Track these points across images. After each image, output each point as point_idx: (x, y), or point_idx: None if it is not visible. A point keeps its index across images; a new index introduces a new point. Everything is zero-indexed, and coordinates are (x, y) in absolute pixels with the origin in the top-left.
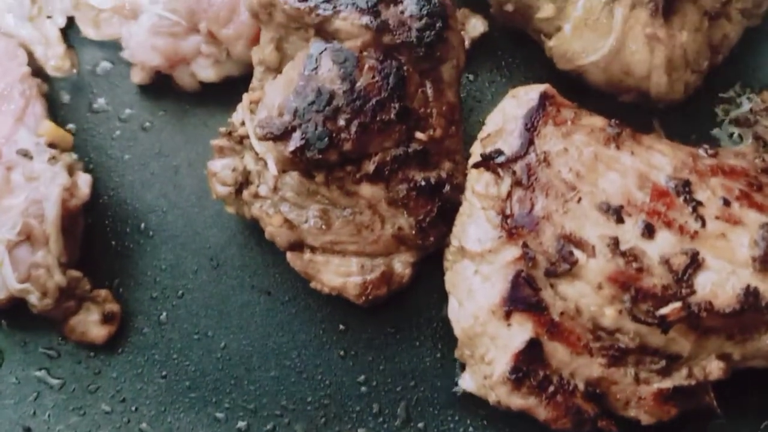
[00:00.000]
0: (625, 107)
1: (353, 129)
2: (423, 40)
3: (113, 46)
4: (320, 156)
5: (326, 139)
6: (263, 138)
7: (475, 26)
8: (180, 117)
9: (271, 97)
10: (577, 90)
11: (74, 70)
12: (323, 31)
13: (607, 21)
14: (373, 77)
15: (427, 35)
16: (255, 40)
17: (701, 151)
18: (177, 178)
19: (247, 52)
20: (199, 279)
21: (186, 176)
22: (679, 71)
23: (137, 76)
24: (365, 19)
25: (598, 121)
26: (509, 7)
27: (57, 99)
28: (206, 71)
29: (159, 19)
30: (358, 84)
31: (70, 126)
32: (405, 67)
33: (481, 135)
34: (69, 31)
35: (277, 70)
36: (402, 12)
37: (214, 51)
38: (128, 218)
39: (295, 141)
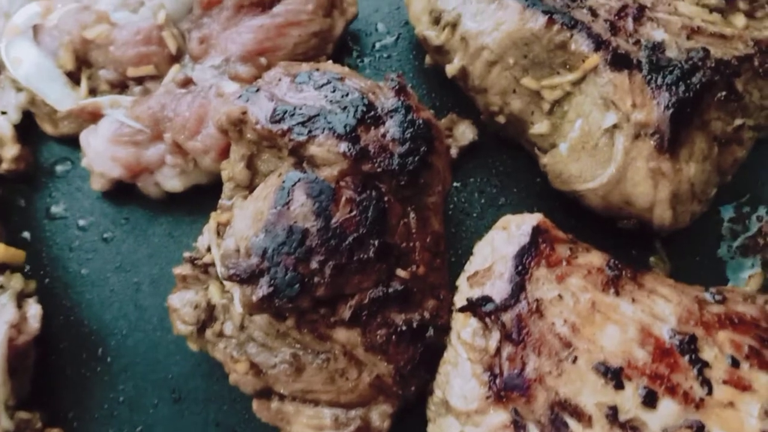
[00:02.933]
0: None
1: (327, 272)
2: (406, 167)
3: (73, 142)
4: (290, 304)
5: (297, 285)
6: (229, 279)
7: (464, 133)
8: (143, 226)
9: (240, 227)
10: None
11: (29, 172)
12: (298, 153)
13: (607, 148)
14: (351, 211)
15: (410, 162)
16: (224, 153)
17: (708, 296)
18: (138, 296)
19: (216, 164)
20: (159, 413)
21: (148, 295)
22: (685, 204)
23: (97, 184)
24: (343, 146)
25: (595, 259)
26: (501, 119)
27: (12, 202)
28: (172, 181)
29: (120, 126)
30: (334, 220)
31: (25, 234)
32: (386, 198)
33: (468, 271)
34: (26, 121)
35: (249, 187)
36: (383, 135)
37: (179, 162)
38: (85, 342)
39: (262, 288)
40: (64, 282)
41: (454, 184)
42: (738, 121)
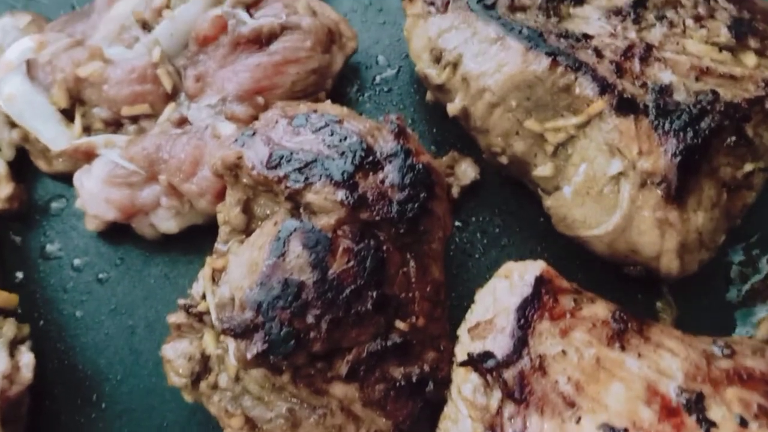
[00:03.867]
0: None
1: (324, 326)
2: (405, 215)
3: (68, 178)
4: (285, 360)
5: (292, 341)
6: (224, 333)
7: (466, 172)
8: (139, 267)
9: (235, 275)
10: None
11: (24, 210)
12: (295, 199)
13: (613, 195)
14: (348, 262)
15: (409, 209)
16: (220, 196)
17: (716, 350)
18: (133, 340)
19: (212, 206)
20: None
21: (143, 339)
22: (693, 253)
23: (91, 225)
24: (340, 194)
25: (600, 310)
26: (503, 160)
27: (7, 240)
28: (167, 223)
29: (115, 167)
30: (331, 271)
31: (18, 274)
32: (384, 247)
33: (470, 321)
34: (20, 156)
35: (245, 231)
36: (382, 181)
37: (175, 203)
38: (80, 387)
39: (257, 344)
40: (59, 325)
41: (456, 223)
42: (748, 167)
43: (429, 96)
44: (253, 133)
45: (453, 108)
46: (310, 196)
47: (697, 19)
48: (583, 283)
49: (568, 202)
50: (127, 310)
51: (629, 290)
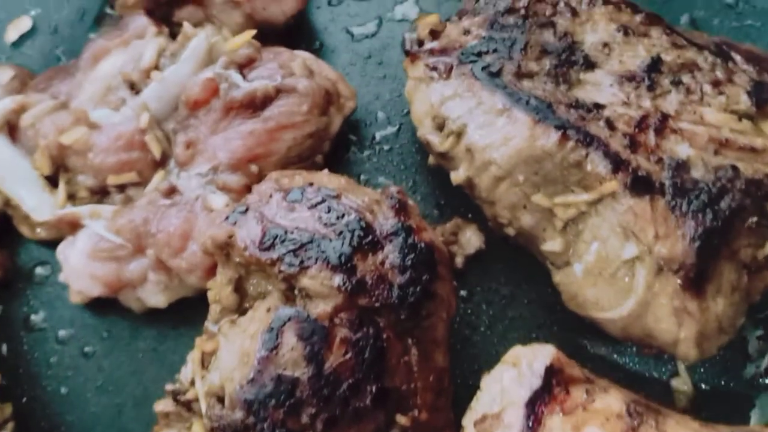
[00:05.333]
0: None
1: (320, 426)
2: (406, 300)
3: (54, 243)
4: None
5: None
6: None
7: (470, 240)
8: (126, 340)
9: (225, 363)
10: None
11: (8, 277)
12: (290, 282)
13: (627, 279)
14: (346, 353)
15: (411, 292)
16: (211, 272)
17: None
18: (121, 420)
19: (202, 282)
20: None
21: (131, 419)
22: (711, 340)
23: (76, 298)
24: (337, 280)
25: (614, 402)
26: (510, 231)
27: None
28: (155, 297)
29: (100, 240)
30: (327, 365)
31: (2, 347)
32: (384, 335)
33: (476, 411)
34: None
35: (237, 310)
36: (382, 263)
37: (163, 278)
38: None
39: None
40: (43, 402)
41: (460, 292)
42: None
43: (431, 160)
44: (246, 210)
45: (457, 177)
46: (305, 281)
47: (715, 84)
48: (594, 352)
49: (579, 280)
50: (115, 387)
51: (644, 365)
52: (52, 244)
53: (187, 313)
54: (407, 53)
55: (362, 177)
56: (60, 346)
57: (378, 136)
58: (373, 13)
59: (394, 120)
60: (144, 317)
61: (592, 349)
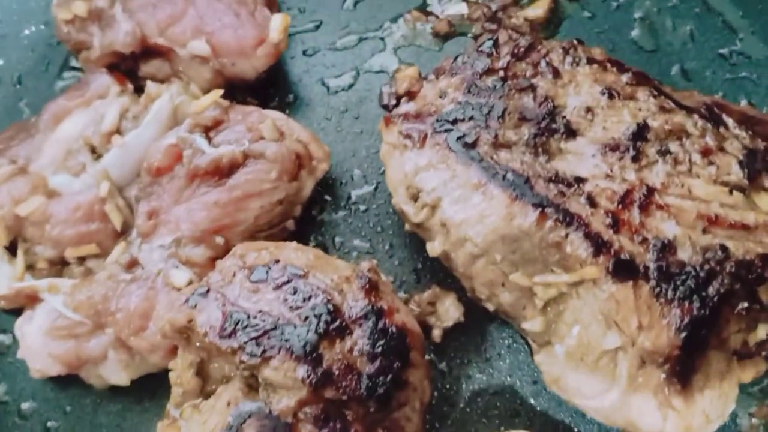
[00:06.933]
0: None
1: None
2: (375, 391)
3: (15, 312)
4: None
5: None
6: None
7: (449, 311)
8: (89, 416)
9: None
10: None
11: None
12: (252, 371)
13: (610, 367)
14: None
15: (381, 382)
16: (174, 351)
17: None
18: None
19: (165, 362)
20: None
21: None
22: (699, 431)
23: (36, 374)
24: (302, 372)
25: None
26: (489, 306)
27: None
28: (117, 375)
29: (58, 317)
30: None
31: None
32: (352, 430)
33: None
34: None
35: (200, 394)
36: (350, 350)
37: (124, 357)
38: None
39: None
40: None
41: (439, 365)
42: (762, 332)
43: (408, 227)
44: (207, 291)
45: (432, 250)
46: (268, 372)
47: (705, 152)
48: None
49: (561, 363)
50: None
51: None
52: (13, 311)
53: (152, 386)
54: (385, 107)
55: (336, 239)
56: (23, 421)
57: (354, 195)
58: (350, 63)
59: (371, 178)
60: (107, 391)
61: (576, 428)
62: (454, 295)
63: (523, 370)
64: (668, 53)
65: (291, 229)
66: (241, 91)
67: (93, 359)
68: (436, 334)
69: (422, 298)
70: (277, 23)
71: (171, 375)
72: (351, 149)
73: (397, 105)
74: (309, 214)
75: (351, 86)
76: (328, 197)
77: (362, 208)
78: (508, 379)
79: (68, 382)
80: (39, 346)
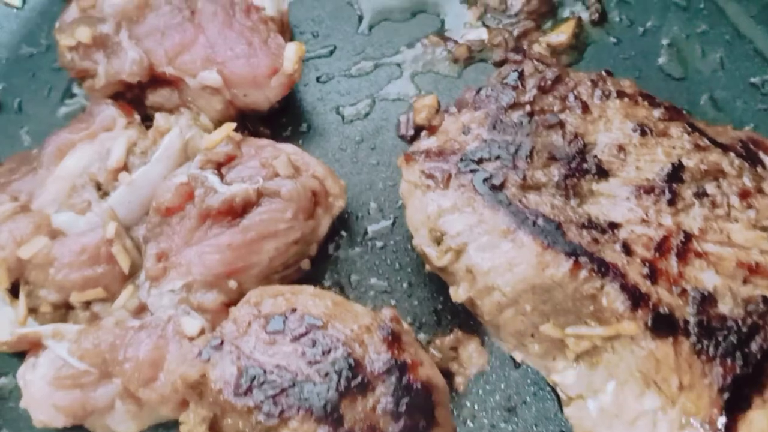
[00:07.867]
0: None
1: None
2: None
3: (19, 354)
4: None
5: None
6: None
7: (472, 358)
8: None
9: None
10: None
11: None
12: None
13: (648, 427)
14: None
15: None
16: (185, 403)
17: None
18: None
19: (175, 414)
20: None
21: None
22: None
23: (39, 424)
24: None
25: None
26: (517, 356)
27: None
28: (124, 425)
29: (63, 365)
30: None
31: None
32: None
33: None
34: None
35: None
36: (373, 408)
37: (132, 407)
38: None
39: None
40: None
41: (463, 420)
42: None
43: (428, 267)
44: (221, 343)
45: (457, 296)
46: None
47: (743, 195)
48: None
49: (594, 418)
50: None
51: None
52: (16, 354)
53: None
54: (402, 137)
55: (353, 278)
56: None
57: (370, 231)
58: (365, 91)
59: (387, 213)
60: None
61: None
62: (477, 339)
63: (550, 419)
64: (697, 81)
65: (306, 268)
66: (252, 120)
67: (99, 409)
68: (459, 381)
69: (444, 343)
70: (291, 53)
71: (182, 428)
72: (367, 182)
73: (415, 135)
74: (324, 250)
75: (367, 115)
76: (343, 232)
77: (379, 244)
78: (534, 429)
79: (72, 430)
80: (43, 396)
